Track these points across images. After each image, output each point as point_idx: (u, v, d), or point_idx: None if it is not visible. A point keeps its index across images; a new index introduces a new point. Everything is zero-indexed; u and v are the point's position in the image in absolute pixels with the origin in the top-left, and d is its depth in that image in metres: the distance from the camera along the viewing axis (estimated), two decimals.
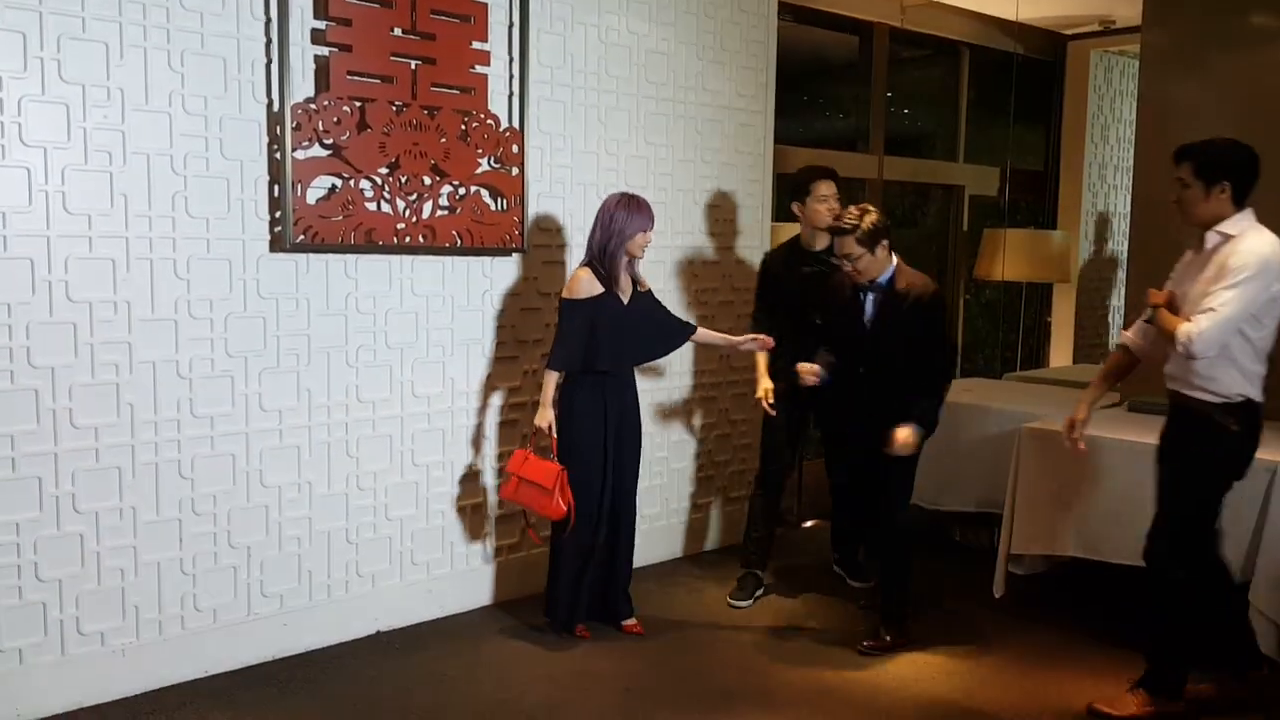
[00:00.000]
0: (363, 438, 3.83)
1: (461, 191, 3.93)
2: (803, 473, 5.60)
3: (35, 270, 3.11)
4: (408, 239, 3.79)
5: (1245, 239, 3.04)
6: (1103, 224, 7.19)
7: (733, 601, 4.30)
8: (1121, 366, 3.51)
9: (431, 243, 3.86)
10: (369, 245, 3.71)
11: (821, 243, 4.20)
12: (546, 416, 3.80)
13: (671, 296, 4.72)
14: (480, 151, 3.95)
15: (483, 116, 3.94)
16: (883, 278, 3.77)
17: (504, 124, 4.03)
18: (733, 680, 3.62)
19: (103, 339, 3.24)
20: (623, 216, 3.75)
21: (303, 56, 3.54)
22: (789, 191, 4.41)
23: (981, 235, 6.63)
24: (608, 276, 3.77)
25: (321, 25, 3.55)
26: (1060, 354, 7.09)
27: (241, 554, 3.59)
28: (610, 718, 3.33)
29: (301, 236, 3.54)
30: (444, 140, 3.84)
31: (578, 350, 3.76)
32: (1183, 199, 3.16)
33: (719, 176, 4.85)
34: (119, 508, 3.32)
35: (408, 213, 3.78)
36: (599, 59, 4.37)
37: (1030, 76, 6.88)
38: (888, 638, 3.87)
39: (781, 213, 5.64)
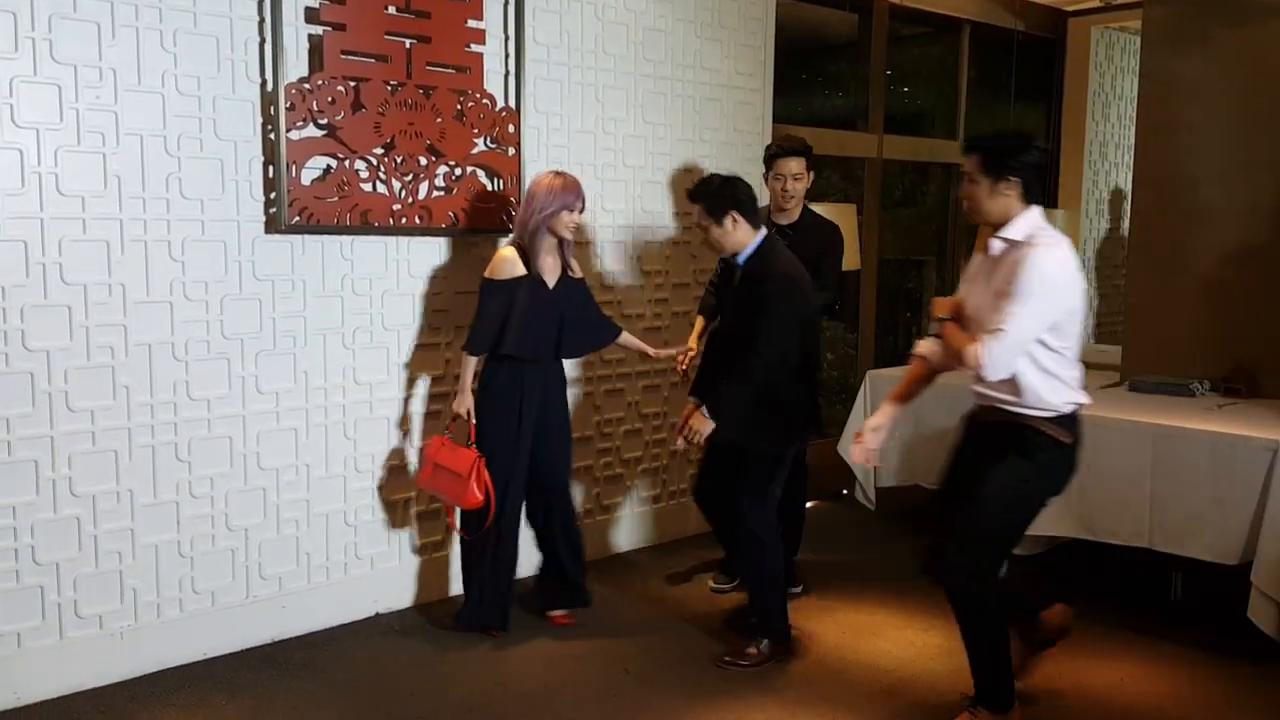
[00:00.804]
0: (360, 419, 3.82)
1: (458, 172, 3.90)
2: (805, 454, 5.58)
3: (29, 252, 3.09)
4: (404, 220, 3.77)
5: (1035, 254, 2.77)
6: (1117, 201, 7.16)
7: (715, 585, 4.28)
8: (922, 377, 3.18)
9: (428, 224, 3.83)
10: (365, 226, 3.68)
11: (785, 218, 4.10)
12: (465, 402, 3.63)
13: (670, 277, 4.70)
14: (476, 131, 3.92)
15: (478, 96, 3.91)
16: (742, 256, 3.53)
17: (500, 103, 4.00)
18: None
19: (98, 321, 3.23)
20: (545, 194, 3.58)
21: (296, 36, 3.50)
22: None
23: None
24: (529, 257, 3.61)
25: (315, 4, 3.52)
26: None
27: (239, 536, 3.59)
28: (610, 700, 3.33)
29: (297, 218, 3.52)
30: (439, 120, 3.81)
31: (492, 333, 3.58)
32: (969, 194, 2.92)
33: (717, 155, 4.82)
34: (116, 490, 3.32)
35: (404, 193, 3.76)
36: (596, 37, 4.33)
37: (1031, 54, 6.82)
38: (751, 650, 3.59)
39: None
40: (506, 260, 3.60)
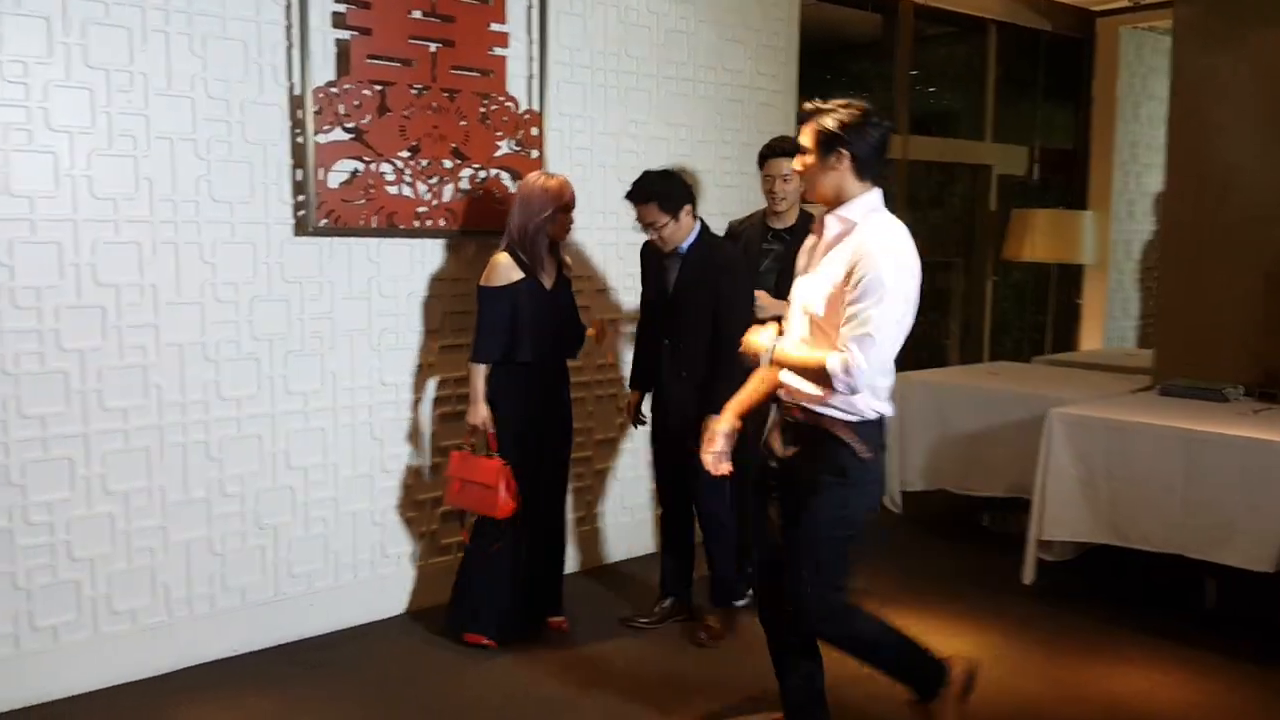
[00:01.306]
0: (387, 420, 3.86)
1: (482, 175, 3.93)
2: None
3: (63, 254, 3.15)
4: (429, 222, 3.80)
5: (872, 241, 2.51)
6: (1148, 203, 7.09)
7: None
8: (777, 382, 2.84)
9: (452, 226, 3.87)
10: (391, 229, 3.72)
11: (780, 222, 3.96)
12: (480, 413, 3.56)
13: None
14: (500, 134, 3.95)
15: (502, 99, 3.94)
16: (684, 245, 3.61)
17: (523, 106, 4.03)
18: (750, 671, 3.60)
19: (130, 322, 3.28)
20: (541, 197, 3.54)
21: (323, 40, 3.55)
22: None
23: (1009, 216, 6.55)
24: (529, 261, 3.57)
25: (341, 9, 3.56)
26: (1091, 337, 7.01)
27: (269, 534, 3.63)
28: (634, 705, 3.33)
29: (324, 220, 3.56)
30: (464, 123, 3.84)
31: (500, 340, 3.54)
32: (805, 170, 2.65)
33: (739, 157, 4.82)
34: (148, 488, 3.37)
35: (428, 196, 3.79)
36: (619, 39, 4.36)
37: (1059, 53, 6.78)
38: (712, 623, 3.75)
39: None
40: (502, 266, 3.55)
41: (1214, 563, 3.79)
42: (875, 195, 2.61)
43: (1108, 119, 6.87)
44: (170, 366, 3.37)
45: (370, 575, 3.88)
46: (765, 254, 3.96)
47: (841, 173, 2.58)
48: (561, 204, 3.58)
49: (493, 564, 3.65)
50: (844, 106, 2.61)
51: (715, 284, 3.57)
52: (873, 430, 2.62)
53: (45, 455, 3.17)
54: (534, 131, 4.04)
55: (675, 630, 3.86)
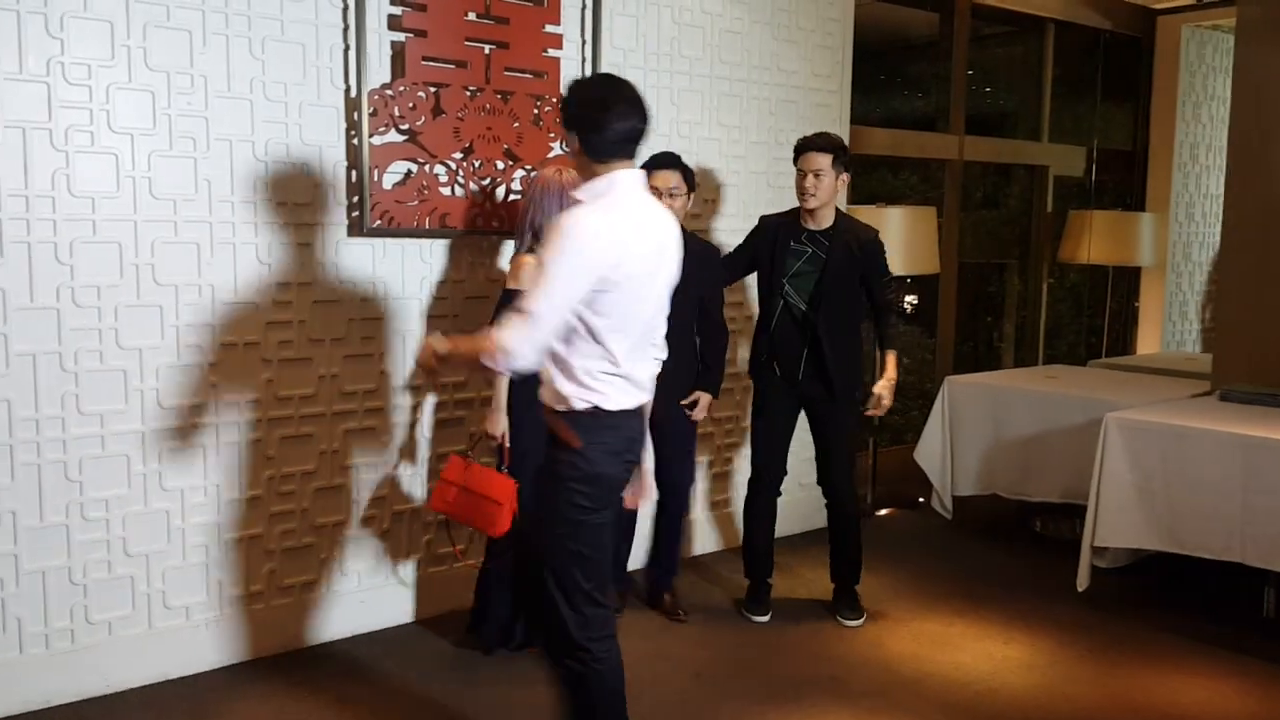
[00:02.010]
0: (439, 421, 3.88)
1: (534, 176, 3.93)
2: (876, 460, 5.53)
3: (123, 254, 3.20)
4: (480, 223, 3.81)
5: (564, 216, 2.39)
6: (1208, 205, 6.95)
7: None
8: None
9: (504, 227, 3.87)
10: (443, 230, 3.74)
11: (815, 222, 3.82)
12: (501, 424, 3.35)
13: (745, 284, 4.68)
14: (553, 135, 3.95)
15: (555, 100, 3.94)
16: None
17: None
18: (801, 669, 3.59)
19: (188, 321, 3.33)
20: (557, 195, 3.34)
21: (379, 42, 3.57)
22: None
23: (1066, 217, 6.45)
24: None
25: (397, 11, 3.58)
26: (1148, 340, 6.89)
27: (324, 534, 3.66)
28: (681, 704, 3.33)
29: (378, 221, 3.58)
30: (517, 125, 3.85)
31: None
32: (572, 153, 2.52)
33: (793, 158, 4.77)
34: (204, 485, 3.41)
35: (481, 197, 3.80)
36: (672, 40, 4.34)
37: (1117, 52, 6.66)
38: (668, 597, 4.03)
39: (857, 193, 5.56)
40: (531, 267, 3.46)
41: (1273, 571, 3.72)
42: (612, 177, 2.44)
43: (1167, 119, 6.74)
44: (227, 367, 3.41)
45: (421, 574, 3.91)
46: (795, 254, 3.83)
47: (578, 153, 2.48)
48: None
49: (505, 576, 3.54)
50: (577, 83, 2.57)
51: (700, 267, 3.71)
52: (586, 421, 2.44)
53: (103, 451, 3.23)
54: None
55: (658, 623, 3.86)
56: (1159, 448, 3.89)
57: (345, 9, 3.49)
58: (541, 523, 2.52)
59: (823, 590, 4.18)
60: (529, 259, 3.39)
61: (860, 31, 5.00)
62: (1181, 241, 6.89)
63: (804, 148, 3.80)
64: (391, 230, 3.63)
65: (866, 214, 4.83)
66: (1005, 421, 4.77)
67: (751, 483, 4.07)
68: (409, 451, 3.83)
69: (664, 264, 2.51)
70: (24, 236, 3.04)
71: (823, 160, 3.75)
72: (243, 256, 3.41)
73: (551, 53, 3.93)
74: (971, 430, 4.87)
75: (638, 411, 2.54)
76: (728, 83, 4.54)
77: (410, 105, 3.60)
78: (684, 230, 3.65)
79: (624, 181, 2.45)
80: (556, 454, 2.49)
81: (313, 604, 3.67)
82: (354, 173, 3.57)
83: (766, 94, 4.69)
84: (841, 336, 3.84)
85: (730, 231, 4.61)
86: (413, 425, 3.82)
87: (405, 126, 3.61)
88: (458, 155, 3.73)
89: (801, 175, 3.79)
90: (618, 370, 2.44)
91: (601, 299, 2.35)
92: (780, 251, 3.85)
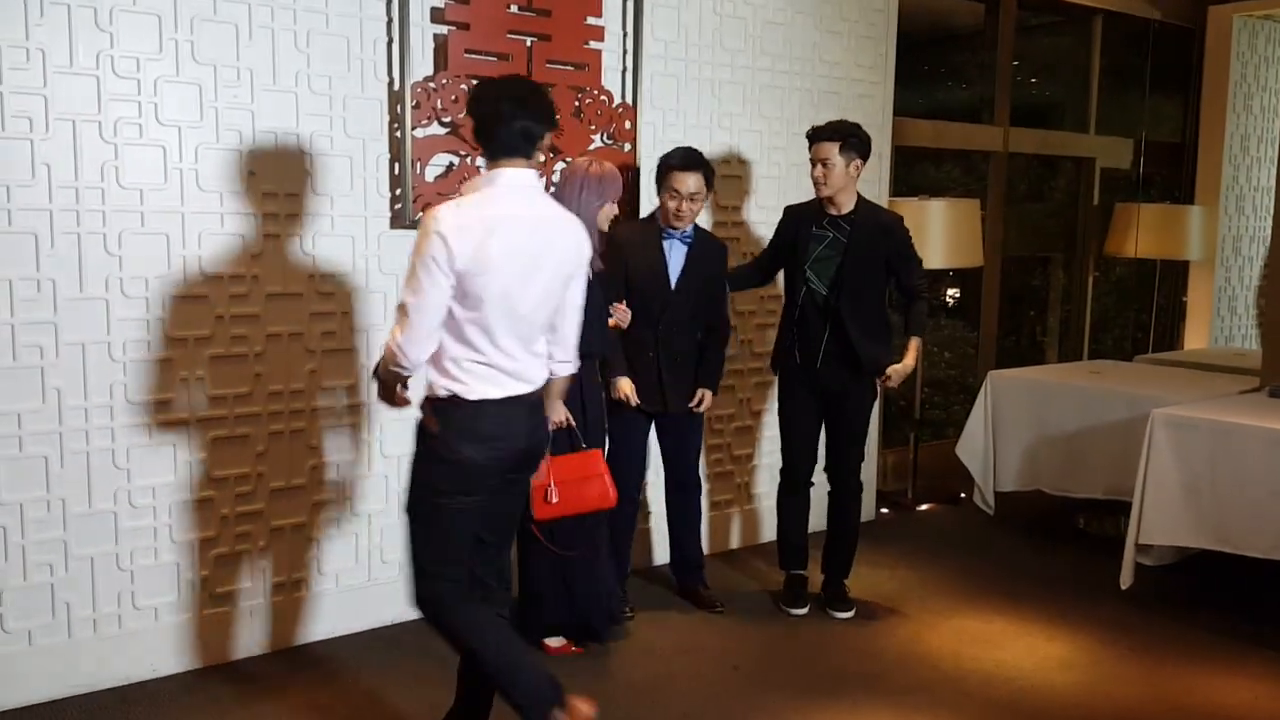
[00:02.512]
0: None
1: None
2: (917, 454, 5.49)
3: (170, 245, 3.25)
4: None
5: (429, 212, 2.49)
6: (1259, 198, 6.82)
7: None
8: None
9: None
10: None
11: (835, 208, 3.80)
12: (559, 410, 3.23)
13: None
14: (594, 128, 3.95)
15: (596, 92, 3.94)
16: (690, 229, 3.78)
17: (617, 100, 4.02)
18: (840, 663, 3.58)
19: (234, 312, 3.37)
20: (595, 186, 3.34)
21: (422, 35, 3.59)
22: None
23: (1113, 210, 6.35)
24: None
25: (440, 4, 3.59)
26: (1196, 335, 6.77)
27: (363, 521, 3.70)
28: (719, 696, 3.33)
29: (420, 213, 3.60)
30: (557, 117, 3.84)
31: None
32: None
33: None
34: (249, 474, 3.45)
35: None
36: (714, 31, 4.32)
37: (1167, 43, 6.53)
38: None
39: (899, 186, 5.51)
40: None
41: None
42: (493, 175, 2.54)
43: (1218, 111, 6.61)
44: (273, 357, 3.45)
45: None
46: (817, 239, 3.82)
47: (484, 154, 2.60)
48: (606, 195, 3.37)
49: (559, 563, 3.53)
50: (475, 89, 2.65)
51: (709, 263, 3.84)
52: (444, 408, 2.54)
53: (149, 440, 3.28)
54: (627, 125, 4.04)
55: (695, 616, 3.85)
56: (1206, 445, 3.83)
57: (389, 2, 3.51)
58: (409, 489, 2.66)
59: (860, 586, 4.16)
60: None
61: (904, 22, 4.95)
62: (1231, 235, 6.76)
63: (811, 137, 3.80)
64: None
65: (909, 207, 4.79)
66: (1048, 417, 4.72)
67: (783, 475, 4.06)
68: None
69: (548, 261, 2.56)
70: (74, 228, 3.09)
71: (829, 149, 3.73)
72: (287, 249, 3.44)
73: (593, 45, 3.93)
74: (1014, 425, 4.82)
75: (513, 401, 2.58)
76: (769, 74, 4.52)
77: (453, 98, 3.61)
78: (696, 226, 3.77)
79: (505, 179, 2.53)
80: (420, 436, 2.62)
81: (356, 590, 3.71)
82: (396, 165, 3.59)
83: (809, 85, 4.65)
84: (865, 319, 3.81)
85: (769, 225, 4.58)
86: None
87: (447, 119, 3.62)
88: None
89: (811, 165, 3.80)
90: (484, 360, 2.52)
91: (463, 291, 2.45)
92: (803, 237, 3.86)
